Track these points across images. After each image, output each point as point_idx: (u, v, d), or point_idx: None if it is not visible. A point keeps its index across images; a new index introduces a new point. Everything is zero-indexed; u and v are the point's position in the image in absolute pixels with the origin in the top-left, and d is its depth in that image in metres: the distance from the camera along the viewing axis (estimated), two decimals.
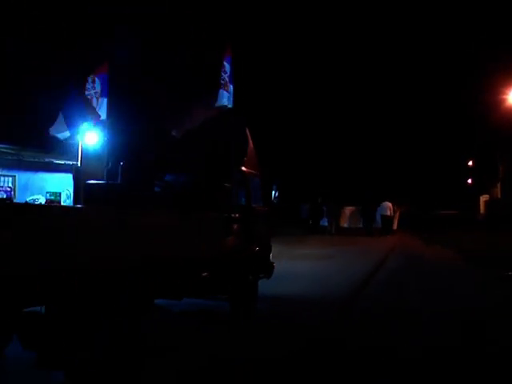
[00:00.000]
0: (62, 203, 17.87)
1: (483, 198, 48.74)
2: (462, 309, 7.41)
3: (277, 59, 26.44)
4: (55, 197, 17.66)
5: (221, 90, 6.88)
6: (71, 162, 20.10)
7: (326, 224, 26.93)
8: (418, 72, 48.07)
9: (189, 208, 5.24)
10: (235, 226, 6.24)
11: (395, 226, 28.35)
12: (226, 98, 6.85)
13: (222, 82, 6.97)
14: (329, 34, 32.78)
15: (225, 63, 7.17)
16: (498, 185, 40.48)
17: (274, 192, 24.80)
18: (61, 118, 7.51)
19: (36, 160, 18.50)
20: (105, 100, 7.62)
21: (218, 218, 5.74)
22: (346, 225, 29.20)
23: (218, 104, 6.85)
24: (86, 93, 7.65)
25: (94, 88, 7.46)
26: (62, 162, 19.73)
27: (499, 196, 39.71)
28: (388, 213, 26.30)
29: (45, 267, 3.75)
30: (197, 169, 6.05)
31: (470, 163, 56.11)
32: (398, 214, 29.19)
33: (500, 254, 14.40)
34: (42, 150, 19.04)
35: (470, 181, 59.20)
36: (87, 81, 7.58)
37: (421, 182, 54.84)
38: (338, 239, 21.28)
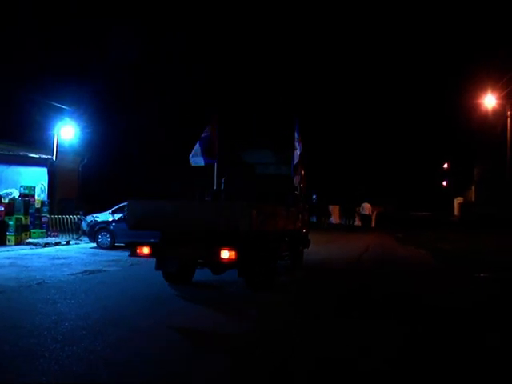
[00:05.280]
0: (37, 197, 17.61)
1: (457, 201, 49.51)
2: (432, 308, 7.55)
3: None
4: (29, 191, 17.35)
5: (295, 152, 11.02)
6: (46, 156, 19.88)
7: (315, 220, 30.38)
8: (395, 77, 48.77)
9: (285, 205, 9.96)
10: (299, 216, 11.30)
11: (373, 224, 31.59)
12: (296, 156, 10.98)
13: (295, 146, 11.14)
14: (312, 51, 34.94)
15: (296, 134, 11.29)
16: (473, 187, 41.19)
17: (313, 195, 30.62)
18: (197, 148, 11.14)
19: (10, 153, 18.22)
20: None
21: (294, 210, 10.77)
22: (331, 221, 32.93)
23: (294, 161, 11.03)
24: (205, 134, 11.31)
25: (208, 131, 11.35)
26: (37, 156, 19.51)
27: (473, 198, 40.41)
28: (367, 212, 30.29)
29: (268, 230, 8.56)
30: (284, 186, 10.81)
31: (446, 166, 57.09)
32: (375, 213, 32.65)
33: (472, 256, 14.69)
34: (17, 143, 18.73)
35: (444, 183, 60.22)
36: (206, 127, 11.44)
37: (398, 184, 55.62)
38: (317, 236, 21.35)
